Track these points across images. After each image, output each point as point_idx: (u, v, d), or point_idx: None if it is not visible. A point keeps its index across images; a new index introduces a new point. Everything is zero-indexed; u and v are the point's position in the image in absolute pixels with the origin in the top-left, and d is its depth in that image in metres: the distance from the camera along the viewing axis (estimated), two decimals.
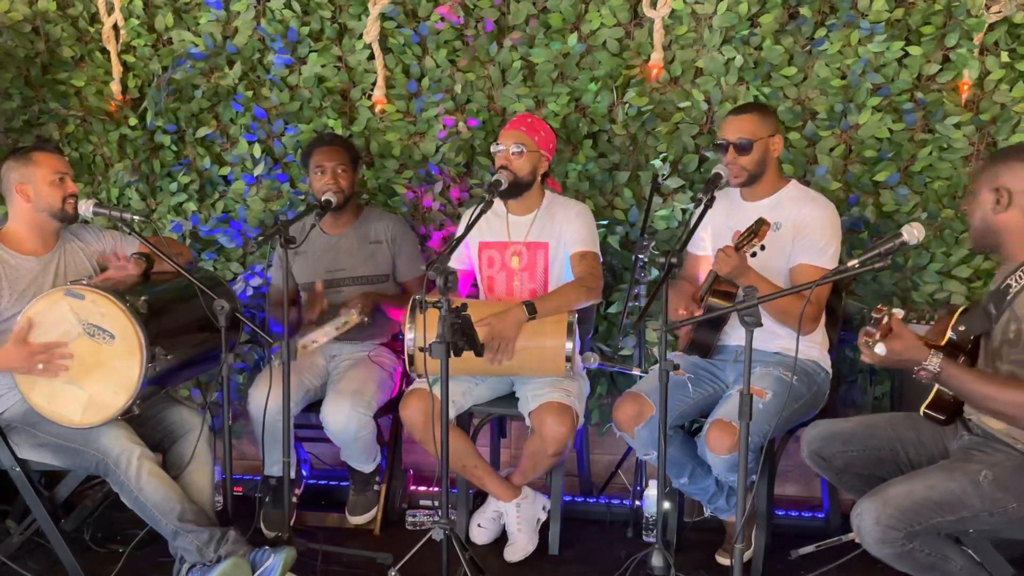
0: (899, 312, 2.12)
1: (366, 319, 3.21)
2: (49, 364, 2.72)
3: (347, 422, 3.13)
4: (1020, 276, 2.29)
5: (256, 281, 3.76)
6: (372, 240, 3.45)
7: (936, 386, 2.40)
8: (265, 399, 3.01)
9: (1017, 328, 2.26)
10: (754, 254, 2.81)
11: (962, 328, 2.36)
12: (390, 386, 3.37)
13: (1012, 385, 2.19)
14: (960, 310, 2.44)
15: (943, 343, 2.37)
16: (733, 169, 2.90)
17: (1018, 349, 2.26)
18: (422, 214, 3.71)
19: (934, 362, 2.16)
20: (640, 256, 3.26)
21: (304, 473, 3.64)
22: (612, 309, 3.54)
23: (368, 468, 3.38)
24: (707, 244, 3.10)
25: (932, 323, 2.74)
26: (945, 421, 2.43)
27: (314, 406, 3.34)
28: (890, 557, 2.25)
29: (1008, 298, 2.29)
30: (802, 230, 2.88)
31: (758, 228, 2.66)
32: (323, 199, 3.21)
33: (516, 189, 3.11)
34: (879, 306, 2.13)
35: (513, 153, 3.07)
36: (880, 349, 2.11)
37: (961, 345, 2.37)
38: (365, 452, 3.29)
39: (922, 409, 2.43)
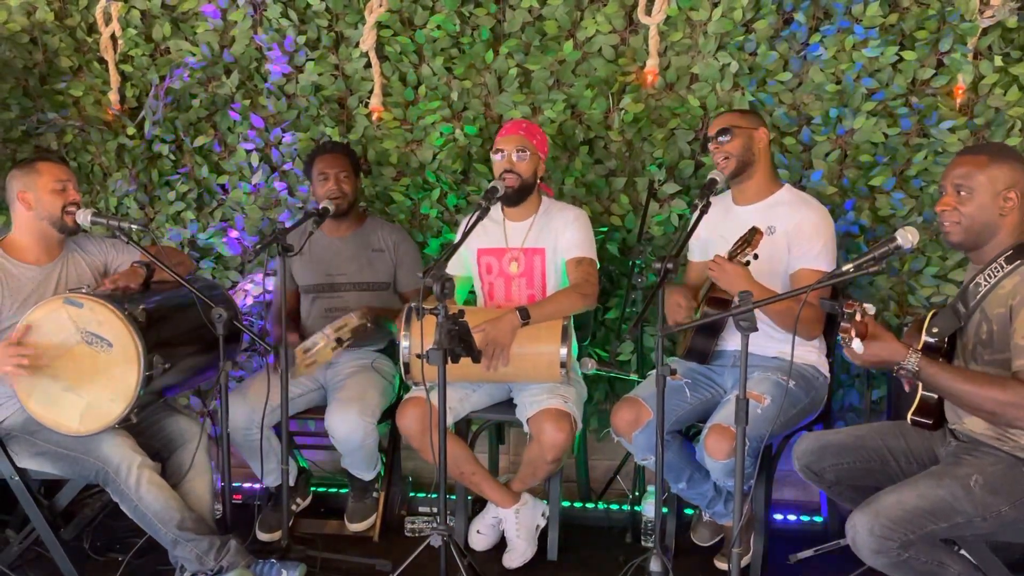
0: (870, 308, 2.12)
1: (368, 324, 3.22)
2: (20, 361, 2.66)
3: (353, 430, 3.13)
4: (989, 275, 2.29)
5: (256, 289, 3.77)
6: (375, 248, 3.46)
7: (920, 392, 2.41)
8: (239, 413, 3.10)
9: (988, 329, 2.27)
10: (748, 262, 2.82)
11: (935, 330, 2.37)
12: (390, 394, 3.37)
13: (991, 382, 2.19)
14: (931, 313, 2.44)
15: (920, 347, 2.38)
16: (718, 156, 2.94)
17: (991, 349, 2.27)
18: (420, 221, 3.72)
19: (912, 360, 2.18)
20: (637, 262, 3.27)
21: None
22: (610, 314, 3.55)
23: (369, 476, 3.39)
24: (705, 249, 3.11)
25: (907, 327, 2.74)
26: (932, 426, 2.43)
27: (309, 412, 3.37)
28: (886, 567, 2.24)
29: (978, 297, 2.30)
30: (798, 235, 2.89)
31: (751, 237, 2.67)
32: (322, 206, 3.22)
33: (522, 192, 3.13)
34: (849, 301, 2.14)
35: (517, 157, 3.09)
36: (857, 345, 2.12)
37: (937, 347, 2.38)
38: (367, 460, 3.29)
39: (909, 416, 2.43)
